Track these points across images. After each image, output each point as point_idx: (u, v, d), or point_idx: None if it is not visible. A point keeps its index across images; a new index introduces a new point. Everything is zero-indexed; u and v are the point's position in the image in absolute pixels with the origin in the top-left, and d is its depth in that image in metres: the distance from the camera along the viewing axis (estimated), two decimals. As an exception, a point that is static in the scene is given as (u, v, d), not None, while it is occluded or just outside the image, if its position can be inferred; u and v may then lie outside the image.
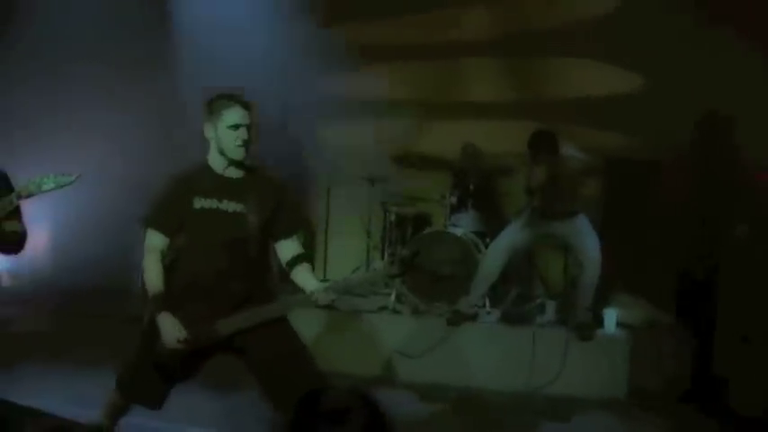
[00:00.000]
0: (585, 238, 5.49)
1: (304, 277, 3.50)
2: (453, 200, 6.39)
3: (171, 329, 3.30)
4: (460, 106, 7.24)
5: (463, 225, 6.31)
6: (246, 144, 3.40)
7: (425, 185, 6.78)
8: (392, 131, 7.29)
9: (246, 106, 3.41)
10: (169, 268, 3.42)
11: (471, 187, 6.39)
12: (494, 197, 6.65)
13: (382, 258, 6.62)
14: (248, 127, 3.40)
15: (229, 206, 3.41)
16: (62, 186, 3.37)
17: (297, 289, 3.55)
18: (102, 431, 3.54)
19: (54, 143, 6.76)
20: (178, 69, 6.89)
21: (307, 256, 3.62)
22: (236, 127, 3.37)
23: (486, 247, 6.09)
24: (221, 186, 3.42)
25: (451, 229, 6.21)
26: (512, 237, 5.66)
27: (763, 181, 5.56)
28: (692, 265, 5.75)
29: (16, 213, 3.52)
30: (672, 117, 6.06)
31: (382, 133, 7.25)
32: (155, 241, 3.43)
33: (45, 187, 3.36)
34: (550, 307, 5.98)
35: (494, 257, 5.70)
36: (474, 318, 5.82)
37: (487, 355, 5.64)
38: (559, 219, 5.54)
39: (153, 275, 3.38)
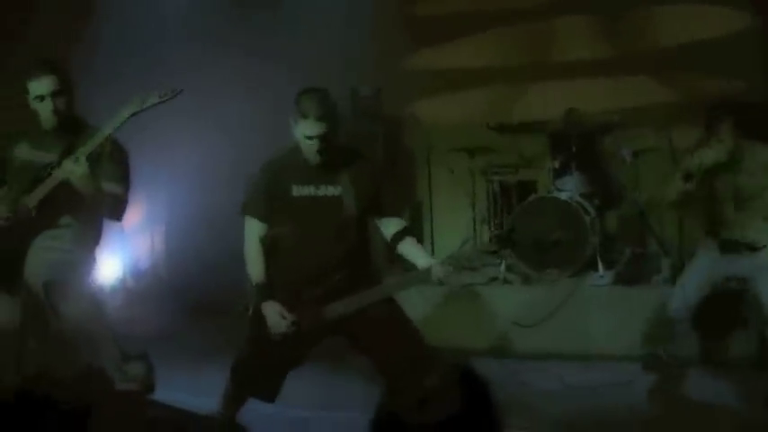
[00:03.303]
0: None
1: (413, 252, 3.48)
2: (556, 164, 6.21)
3: (277, 316, 3.35)
4: (556, 67, 7.04)
5: (569, 188, 6.11)
6: (323, 151, 3.34)
7: (527, 151, 6.62)
8: (487, 100, 7.17)
9: (322, 117, 3.29)
10: (272, 255, 3.46)
11: (574, 149, 6.19)
12: (598, 157, 6.40)
13: (491, 230, 6.51)
14: (324, 136, 3.31)
15: (327, 191, 3.41)
16: (165, 101, 3.45)
17: (408, 268, 3.51)
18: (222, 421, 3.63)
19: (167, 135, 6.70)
20: (294, 57, 6.65)
21: (411, 230, 3.61)
22: (310, 138, 3.33)
23: (595, 208, 5.92)
24: (316, 172, 3.42)
25: (556, 194, 6.05)
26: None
27: None
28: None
29: (117, 174, 3.63)
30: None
31: (478, 102, 7.14)
32: (254, 228, 3.47)
33: (149, 102, 3.45)
34: (666, 265, 5.72)
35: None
36: None
37: (604, 320, 5.48)
38: (745, 250, 4.37)
39: (255, 264, 3.43)
